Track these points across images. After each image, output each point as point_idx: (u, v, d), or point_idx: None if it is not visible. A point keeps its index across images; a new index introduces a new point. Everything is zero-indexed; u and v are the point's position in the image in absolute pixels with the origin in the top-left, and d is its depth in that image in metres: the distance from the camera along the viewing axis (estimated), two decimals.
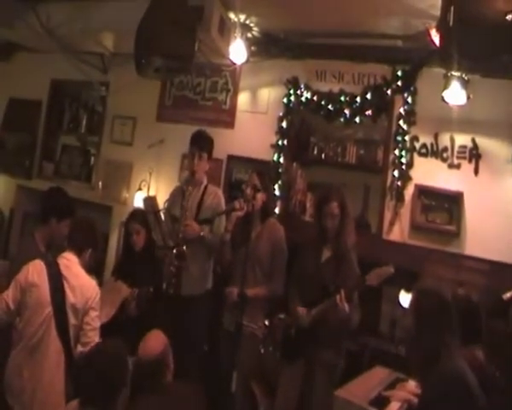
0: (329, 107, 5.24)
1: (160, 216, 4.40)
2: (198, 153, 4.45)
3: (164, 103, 6.30)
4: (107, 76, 6.72)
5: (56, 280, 3.38)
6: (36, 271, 3.40)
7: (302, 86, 5.39)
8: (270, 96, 5.62)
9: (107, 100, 6.73)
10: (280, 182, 5.26)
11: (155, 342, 3.01)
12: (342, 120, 5.23)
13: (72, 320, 3.36)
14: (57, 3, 5.96)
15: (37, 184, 6.65)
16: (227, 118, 5.84)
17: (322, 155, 5.59)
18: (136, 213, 4.55)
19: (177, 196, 4.59)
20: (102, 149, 6.67)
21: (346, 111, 5.18)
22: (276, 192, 5.23)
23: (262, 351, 3.91)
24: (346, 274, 3.72)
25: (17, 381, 3.28)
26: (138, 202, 5.67)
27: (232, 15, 5.29)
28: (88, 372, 2.66)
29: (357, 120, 5.17)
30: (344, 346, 3.87)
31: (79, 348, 3.35)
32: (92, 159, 6.79)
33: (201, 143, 4.51)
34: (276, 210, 5.02)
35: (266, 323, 3.98)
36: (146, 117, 6.34)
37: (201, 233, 4.28)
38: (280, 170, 5.29)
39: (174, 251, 4.21)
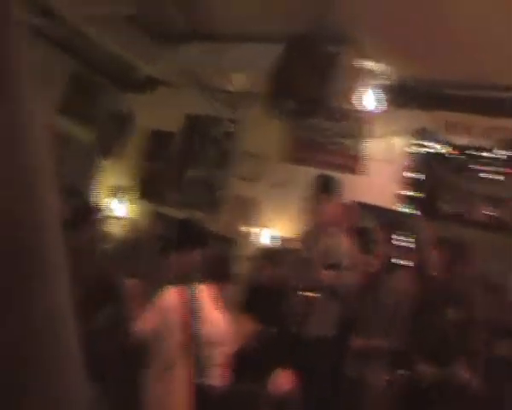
0: (458, 160, 5.13)
1: (288, 257, 4.46)
2: (322, 197, 4.46)
3: (292, 145, 6.45)
4: (237, 113, 6.97)
5: (190, 310, 3.49)
6: (172, 297, 3.53)
7: (432, 138, 5.32)
8: (399, 145, 5.61)
9: (234, 136, 6.99)
10: (407, 234, 5.18)
11: (285, 380, 3.06)
12: (471, 174, 5.09)
13: (201, 351, 3.44)
14: (194, 44, 6.34)
15: (169, 210, 6.99)
16: (354, 164, 5.88)
17: (450, 210, 5.46)
18: (264, 251, 4.65)
19: (306, 238, 4.63)
20: (229, 184, 6.92)
21: (476, 165, 5.04)
22: (403, 244, 5.15)
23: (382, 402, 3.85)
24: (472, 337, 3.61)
25: (148, 400, 3.43)
26: (263, 239, 5.79)
27: (366, 62, 5.35)
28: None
29: (488, 175, 5.01)
30: None
31: (206, 381, 3.42)
32: (218, 192, 7.03)
33: (327, 186, 4.53)
34: (402, 262, 4.95)
35: (387, 377, 3.95)
36: (273, 155, 6.51)
37: (333, 282, 4.26)
38: (408, 222, 5.22)
39: (305, 295, 4.24)
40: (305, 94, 5.63)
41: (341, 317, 4.44)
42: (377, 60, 5.33)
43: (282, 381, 3.04)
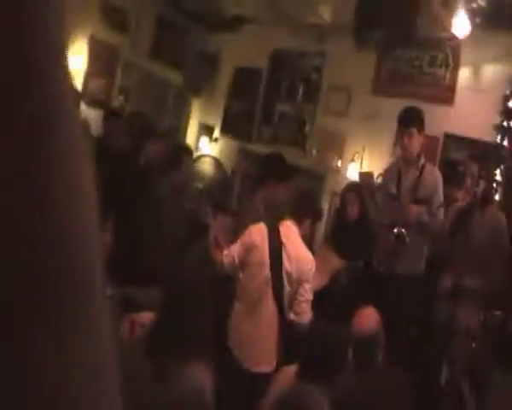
0: None
1: (375, 192, 4.43)
2: (408, 130, 4.28)
3: (379, 76, 6.26)
4: (324, 46, 6.83)
5: (276, 246, 3.55)
6: (259, 234, 3.61)
7: None
8: (495, 72, 5.31)
9: (323, 70, 6.89)
10: (502, 167, 4.94)
11: (369, 318, 3.00)
12: None
13: (287, 287, 3.52)
14: None
15: (256, 147, 7.10)
16: (446, 94, 5.64)
17: None
18: (352, 185, 4.64)
19: (393, 173, 4.51)
20: (317, 118, 6.86)
21: None
22: (498, 178, 4.92)
23: (473, 345, 3.78)
24: None
25: (238, 331, 3.59)
26: (351, 173, 5.77)
27: None
28: (311, 346, 2.79)
29: None
30: None
31: (292, 317, 3.53)
32: (307, 127, 6.98)
33: (412, 118, 4.34)
34: (497, 197, 4.76)
35: (481, 317, 3.84)
36: (361, 89, 6.35)
37: (422, 218, 4.17)
38: (503, 154, 4.97)
39: (394, 231, 4.15)
40: (394, 23, 5.44)
41: (431, 254, 4.37)
42: None
43: (367, 320, 2.98)
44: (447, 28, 5.25)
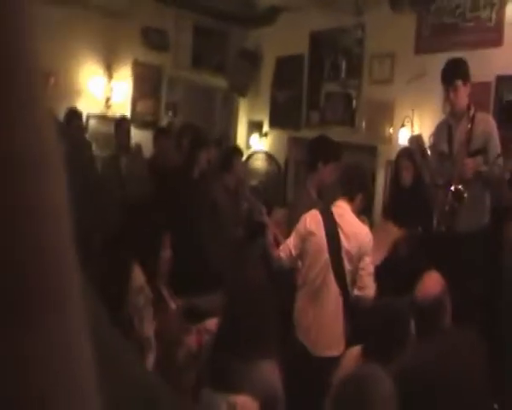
0: None
1: (427, 154, 4.26)
2: (452, 84, 4.11)
3: (421, 34, 6.00)
4: (362, 18, 6.66)
5: (332, 229, 3.55)
6: (313, 220, 3.62)
7: None
8: None
9: (364, 42, 6.72)
10: None
11: (433, 283, 2.91)
12: None
13: (347, 266, 3.51)
14: None
15: (306, 133, 6.93)
16: (493, 36, 5.30)
17: None
18: (404, 151, 4.53)
19: (443, 130, 4.33)
20: (363, 91, 6.70)
21: None
22: None
23: None
24: None
25: (304, 320, 3.60)
26: (403, 139, 5.59)
27: None
28: (372, 324, 2.74)
29: None
30: None
31: (356, 292, 3.51)
32: (354, 102, 6.84)
33: (454, 71, 4.17)
34: None
35: None
36: (404, 51, 6.12)
37: (480, 169, 3.99)
38: None
39: (451, 190, 4.00)
40: None
41: (494, 205, 4.16)
42: None
43: (429, 286, 2.88)
44: None
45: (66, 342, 0.32)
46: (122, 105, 7.22)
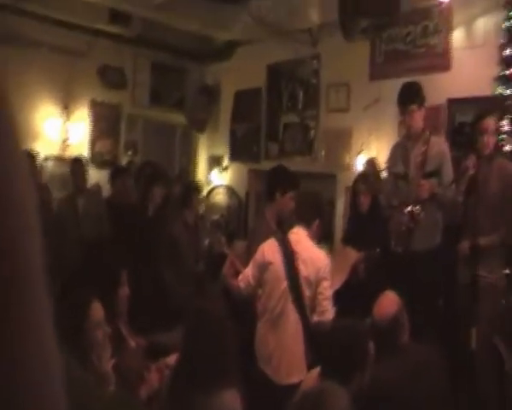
0: None
1: (382, 176, 4.30)
2: (408, 107, 4.16)
3: (375, 61, 6.13)
4: (317, 48, 6.78)
5: (289, 256, 3.53)
6: (270, 249, 3.60)
7: None
8: (488, 24, 5.08)
9: (319, 71, 6.82)
10: (508, 116, 4.69)
11: (389, 302, 2.94)
12: None
13: (306, 292, 3.48)
14: None
15: (266, 165, 6.91)
16: (442, 61, 5.44)
17: None
18: (360, 176, 4.57)
19: (399, 152, 4.38)
20: (321, 120, 6.77)
21: None
22: (506, 128, 4.67)
23: (504, 302, 3.59)
24: None
25: (265, 349, 3.56)
26: (360, 165, 5.64)
27: None
28: (331, 347, 2.70)
29: None
30: None
31: (315, 318, 3.47)
32: (312, 131, 6.89)
33: (410, 95, 4.23)
34: (508, 147, 4.52)
35: (507, 271, 3.65)
36: (359, 79, 6.24)
37: (435, 191, 4.03)
38: (507, 103, 4.72)
39: (407, 210, 4.02)
40: (377, 7, 5.34)
41: (447, 223, 4.21)
42: None
43: (386, 305, 2.91)
44: None
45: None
46: (79, 146, 7.15)
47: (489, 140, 3.84)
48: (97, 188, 6.14)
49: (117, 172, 6.14)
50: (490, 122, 3.87)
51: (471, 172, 3.83)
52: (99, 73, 7.39)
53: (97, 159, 7.26)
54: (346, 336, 2.67)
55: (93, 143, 7.35)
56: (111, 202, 5.79)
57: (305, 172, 5.71)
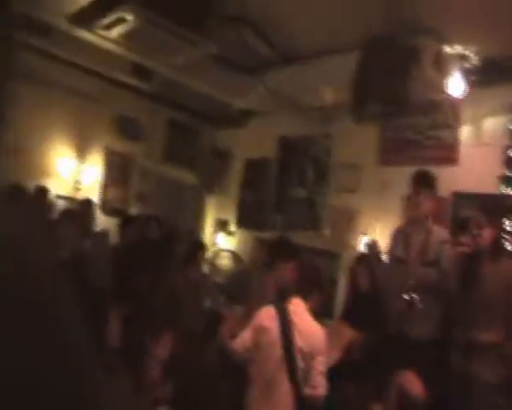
0: None
1: (382, 259, 4.40)
2: (422, 191, 4.27)
3: (385, 147, 6.34)
4: (330, 127, 6.99)
5: (286, 325, 3.57)
6: (267, 316, 3.64)
7: None
8: (495, 125, 5.33)
9: (330, 150, 7.01)
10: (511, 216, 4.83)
11: (420, 383, 2.95)
12: None
13: (300, 363, 3.50)
14: (279, 68, 6.49)
15: (270, 235, 7.06)
16: (450, 154, 5.64)
17: None
18: (361, 257, 4.65)
19: (400, 236, 4.45)
20: (328, 198, 6.94)
21: None
22: (508, 228, 4.80)
23: (500, 402, 3.58)
24: None
25: None
26: (363, 246, 5.75)
27: (448, 48, 5.18)
28: None
29: None
30: None
31: (307, 391, 3.48)
32: (319, 208, 7.04)
33: (425, 179, 4.33)
34: (510, 247, 4.62)
35: (503, 372, 3.66)
36: (369, 163, 6.45)
37: (432, 280, 4.10)
38: (510, 203, 4.88)
39: (405, 298, 4.07)
40: (385, 95, 5.54)
41: (445, 313, 4.24)
42: (458, 43, 5.14)
43: (417, 381, 2.95)
44: (442, 90, 5.31)
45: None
46: (91, 189, 7.28)
47: (484, 234, 3.95)
48: (105, 233, 6.22)
49: (125, 222, 6.23)
50: (481, 219, 3.98)
51: (465, 249, 3.91)
52: (115, 121, 7.60)
53: (107, 205, 7.39)
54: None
55: (104, 189, 7.50)
56: (117, 250, 5.86)
57: (310, 248, 5.84)
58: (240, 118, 8.18)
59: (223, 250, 7.92)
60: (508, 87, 5.18)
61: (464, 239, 3.90)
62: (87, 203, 6.08)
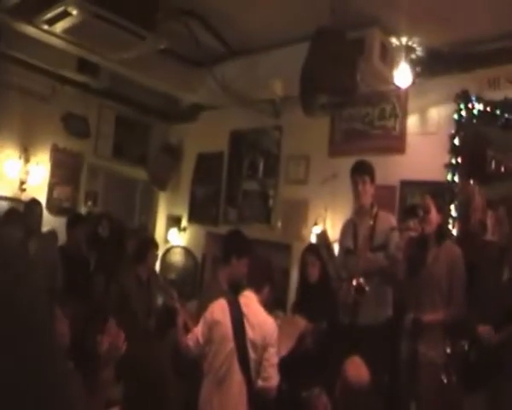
0: (506, 115, 4.88)
1: (332, 249, 4.45)
2: (360, 179, 4.42)
3: (334, 139, 6.39)
4: (280, 120, 7.02)
5: (237, 317, 3.61)
6: (220, 309, 3.67)
7: (473, 98, 5.09)
8: (440, 114, 5.43)
9: (281, 143, 7.03)
10: (456, 202, 4.97)
11: (365, 369, 2.96)
12: None
13: (252, 355, 3.54)
14: (229, 62, 6.47)
15: (223, 229, 7.01)
16: (397, 144, 5.74)
17: (502, 169, 5.18)
18: (310, 247, 4.69)
19: (349, 227, 4.58)
20: (279, 190, 6.96)
21: None
22: (453, 213, 4.95)
23: (445, 381, 3.69)
24: None
25: (208, 407, 3.56)
26: (314, 237, 5.79)
27: (394, 40, 5.26)
28: None
29: None
30: None
31: (260, 383, 3.51)
32: (271, 200, 7.07)
33: (362, 170, 4.49)
34: (454, 232, 4.77)
35: (448, 350, 3.78)
36: (318, 154, 6.49)
37: (381, 264, 4.21)
38: (455, 189, 5.02)
39: (353, 283, 4.15)
40: (334, 86, 5.58)
41: (394, 298, 4.34)
42: (404, 34, 5.22)
43: (360, 367, 2.96)
44: (389, 81, 5.39)
45: None
46: (38, 189, 7.08)
47: (431, 218, 4.05)
48: (52, 233, 6.07)
49: (74, 221, 6.08)
50: (429, 201, 4.08)
51: (412, 233, 4.01)
52: (63, 119, 7.43)
53: (54, 205, 7.21)
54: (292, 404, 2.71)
55: (51, 188, 7.32)
56: (65, 250, 5.73)
57: (262, 240, 5.84)
58: (190, 112, 8.12)
59: (175, 247, 7.85)
60: (452, 77, 5.28)
61: (412, 224, 3.98)
62: (33, 203, 5.91)
